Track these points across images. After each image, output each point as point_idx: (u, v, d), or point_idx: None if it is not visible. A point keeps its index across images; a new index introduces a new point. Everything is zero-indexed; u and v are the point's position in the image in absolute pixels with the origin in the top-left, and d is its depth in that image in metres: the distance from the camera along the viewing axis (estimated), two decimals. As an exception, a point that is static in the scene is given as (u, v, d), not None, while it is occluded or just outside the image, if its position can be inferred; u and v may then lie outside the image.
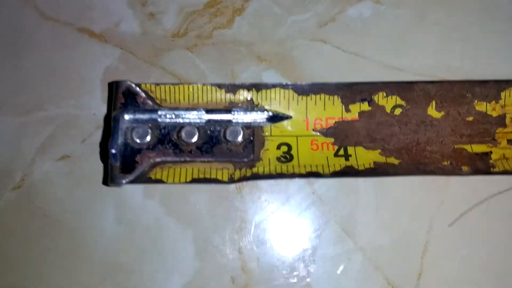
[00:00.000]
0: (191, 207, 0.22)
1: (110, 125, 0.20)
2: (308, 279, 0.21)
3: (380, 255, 0.22)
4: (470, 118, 0.21)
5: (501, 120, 0.21)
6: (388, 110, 0.21)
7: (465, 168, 0.20)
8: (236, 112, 0.21)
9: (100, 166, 0.23)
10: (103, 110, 0.23)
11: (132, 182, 0.20)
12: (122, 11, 0.24)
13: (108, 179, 0.20)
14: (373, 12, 0.24)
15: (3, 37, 0.24)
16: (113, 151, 0.19)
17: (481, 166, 0.20)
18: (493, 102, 0.21)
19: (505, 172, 0.20)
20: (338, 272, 0.21)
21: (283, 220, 0.22)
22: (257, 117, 0.21)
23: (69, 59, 0.24)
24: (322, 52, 0.24)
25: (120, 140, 0.20)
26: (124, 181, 0.20)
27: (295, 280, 0.21)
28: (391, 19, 0.24)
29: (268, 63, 0.23)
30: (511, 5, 0.24)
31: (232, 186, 0.22)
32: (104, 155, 0.21)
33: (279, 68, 0.23)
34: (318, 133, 0.21)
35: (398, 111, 0.21)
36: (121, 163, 0.20)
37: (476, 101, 0.21)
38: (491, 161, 0.20)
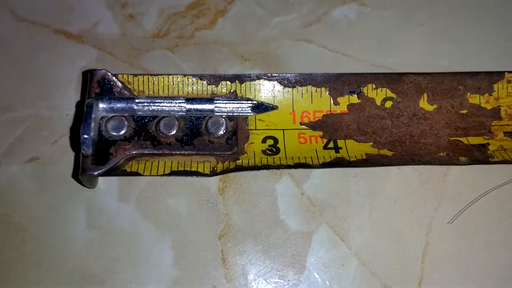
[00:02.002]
0: (170, 210, 0.20)
1: (83, 116, 0.19)
2: (299, 288, 0.19)
3: (376, 260, 0.20)
4: (464, 111, 0.20)
5: (496, 113, 0.20)
6: (378, 103, 0.20)
7: (462, 159, 0.19)
8: (218, 101, 0.19)
9: (71, 169, 0.21)
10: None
11: (105, 174, 0.18)
12: (101, 12, 0.24)
13: (79, 171, 0.18)
14: (358, 14, 0.24)
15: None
16: (85, 136, 0.18)
17: (479, 156, 0.19)
18: (486, 94, 0.20)
19: (504, 162, 0.19)
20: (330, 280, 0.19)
21: (269, 224, 0.20)
22: (241, 106, 0.19)
23: (44, 60, 0.23)
24: (307, 51, 0.23)
25: (93, 130, 0.19)
26: (96, 173, 0.18)
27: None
28: (376, 20, 0.24)
29: (251, 62, 0.23)
30: (497, 6, 0.23)
31: (214, 187, 0.21)
32: (76, 144, 0.20)
33: (263, 67, 0.23)
34: (306, 126, 0.20)
35: (389, 104, 0.20)
36: (94, 155, 0.18)
37: (468, 93, 0.20)
38: (489, 152, 0.19)
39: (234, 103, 0.19)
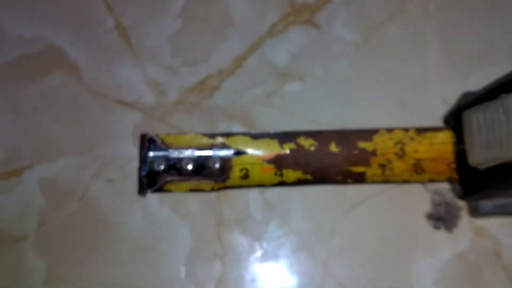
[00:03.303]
0: (188, 209, 0.36)
1: (141, 159, 0.34)
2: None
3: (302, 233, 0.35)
4: (356, 152, 0.35)
5: (373, 153, 0.35)
6: (306, 147, 0.35)
7: (350, 180, 0.34)
8: (214, 150, 0.35)
9: (130, 185, 0.36)
10: (133, 151, 0.37)
11: (153, 192, 0.34)
12: (143, 89, 0.38)
13: (140, 190, 0.34)
14: (300, 87, 0.39)
15: (66, 110, 0.38)
16: (143, 173, 0.33)
17: (360, 179, 0.34)
18: (369, 141, 0.35)
19: (374, 182, 0.34)
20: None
21: (245, 215, 0.36)
22: (227, 153, 0.35)
23: (110, 119, 0.38)
24: (268, 112, 0.38)
25: (146, 168, 0.34)
26: (149, 191, 0.34)
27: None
28: (312, 91, 0.39)
29: (235, 120, 0.38)
30: (384, 78, 0.38)
31: (213, 196, 0.36)
32: (139, 177, 0.36)
33: (242, 123, 0.38)
34: (265, 162, 0.35)
35: (312, 148, 0.35)
36: (148, 181, 0.34)
37: (358, 141, 0.35)
38: (366, 176, 0.35)
39: (223, 150, 0.35)
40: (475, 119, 0.31)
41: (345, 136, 0.35)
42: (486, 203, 0.34)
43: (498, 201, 0.33)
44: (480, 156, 0.31)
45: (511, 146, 0.29)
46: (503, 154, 0.29)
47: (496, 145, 0.30)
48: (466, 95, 0.34)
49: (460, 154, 0.33)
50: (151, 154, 0.34)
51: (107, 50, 0.39)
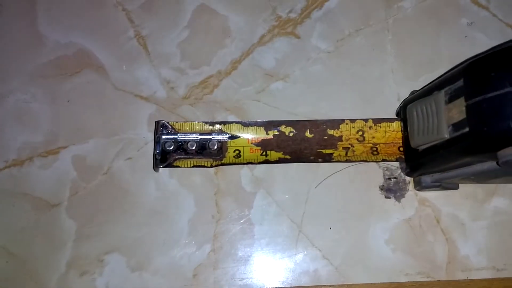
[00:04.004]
0: (192, 182, 0.45)
1: (157, 142, 0.43)
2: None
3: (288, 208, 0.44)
4: (325, 137, 0.44)
5: (340, 138, 0.44)
6: (287, 133, 0.44)
7: (320, 160, 0.43)
8: (213, 135, 0.44)
9: (146, 162, 0.45)
10: (148, 135, 0.46)
11: (165, 167, 0.43)
12: (157, 86, 0.47)
13: (154, 166, 0.43)
14: (283, 86, 0.47)
15: (94, 102, 0.47)
16: (157, 151, 0.42)
17: (328, 158, 0.43)
18: (336, 129, 0.44)
19: (339, 161, 0.43)
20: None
21: (237, 188, 0.45)
22: (224, 137, 0.44)
23: (130, 110, 0.47)
24: (258, 106, 0.46)
25: (159, 148, 0.43)
26: (161, 167, 0.43)
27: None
28: (292, 89, 0.47)
29: (231, 112, 0.46)
30: (353, 80, 0.47)
31: (212, 171, 0.45)
32: (153, 155, 0.44)
33: (236, 114, 0.46)
34: (253, 145, 0.44)
35: (291, 134, 0.44)
36: (160, 158, 0.43)
37: (328, 129, 0.44)
38: (333, 156, 0.43)
39: (220, 135, 0.44)
40: (414, 111, 0.40)
41: (317, 125, 0.44)
42: (426, 178, 0.42)
43: (435, 176, 0.42)
44: (418, 140, 0.39)
45: (440, 131, 0.37)
46: (434, 137, 0.38)
47: (429, 130, 0.38)
48: (412, 92, 0.43)
49: (406, 139, 0.42)
50: (163, 137, 0.43)
51: (128, 54, 0.48)
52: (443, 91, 0.37)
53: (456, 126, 0.36)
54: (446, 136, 0.36)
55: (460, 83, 0.36)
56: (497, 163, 0.34)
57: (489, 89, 0.33)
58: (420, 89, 0.41)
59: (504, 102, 0.32)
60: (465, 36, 0.47)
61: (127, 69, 0.47)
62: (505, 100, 0.32)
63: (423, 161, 0.40)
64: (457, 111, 0.36)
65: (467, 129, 0.34)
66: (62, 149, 0.45)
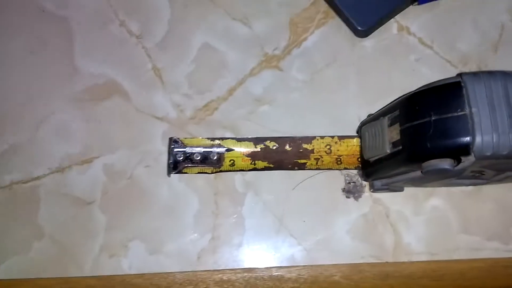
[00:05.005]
0: (196, 184, 0.57)
1: (170, 154, 0.55)
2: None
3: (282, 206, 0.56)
4: (301, 150, 0.56)
5: (312, 151, 0.56)
6: (271, 147, 0.56)
7: (296, 168, 0.55)
8: (213, 148, 0.56)
9: (161, 169, 0.57)
10: (162, 148, 0.57)
11: (175, 173, 0.55)
12: (169, 108, 0.59)
13: (167, 172, 0.55)
14: (269, 109, 0.58)
15: (120, 121, 0.59)
16: (170, 161, 0.54)
17: (302, 167, 0.55)
18: (309, 144, 0.56)
19: (311, 169, 0.55)
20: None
21: (232, 188, 0.57)
22: (221, 150, 0.56)
23: (150, 129, 0.58)
24: (249, 125, 0.57)
25: (172, 159, 0.55)
26: (173, 173, 0.55)
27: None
28: (276, 112, 0.59)
29: (227, 129, 0.57)
30: (323, 103, 0.59)
31: (212, 177, 0.57)
32: (167, 164, 0.56)
33: (232, 131, 0.56)
34: (244, 156, 0.56)
35: (274, 147, 0.56)
36: (172, 167, 0.55)
37: (303, 143, 0.56)
38: (306, 165, 0.56)
39: (219, 148, 0.56)
40: (366, 132, 0.52)
41: (294, 141, 0.56)
42: (377, 182, 0.52)
43: (384, 181, 0.54)
44: (369, 153, 0.51)
45: (383, 147, 0.49)
46: (380, 152, 0.50)
47: (377, 146, 0.51)
48: (368, 115, 0.55)
49: (361, 152, 0.54)
50: (175, 150, 0.55)
51: (146, 83, 0.58)
52: (386, 117, 0.49)
53: (394, 144, 0.48)
54: (388, 151, 0.48)
55: (397, 112, 0.48)
56: (421, 172, 0.46)
57: (415, 118, 0.45)
58: (374, 113, 0.53)
59: (425, 128, 0.44)
60: (413, 70, 0.59)
61: (146, 95, 0.59)
62: (425, 127, 0.44)
63: (373, 169, 0.52)
64: (395, 133, 0.48)
65: (401, 147, 0.47)
66: (95, 159, 0.55)
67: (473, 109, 0.40)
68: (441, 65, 0.57)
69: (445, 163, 0.43)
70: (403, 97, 0.48)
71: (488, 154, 0.41)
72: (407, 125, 0.46)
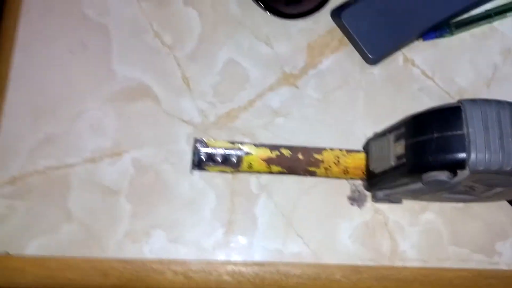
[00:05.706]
0: (215, 183, 0.63)
1: (194, 152, 0.61)
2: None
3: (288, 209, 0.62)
4: (312, 159, 0.62)
5: (322, 161, 0.62)
6: (285, 154, 0.62)
7: (307, 175, 0.62)
8: (234, 151, 0.62)
9: (184, 166, 0.63)
10: (186, 148, 0.63)
11: (198, 170, 0.61)
12: (195, 113, 0.64)
13: (190, 170, 0.61)
14: (284, 121, 0.64)
15: (150, 123, 0.65)
16: (195, 158, 0.60)
17: (313, 174, 0.62)
18: (320, 154, 0.62)
19: (320, 177, 0.61)
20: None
21: (246, 184, 0.63)
22: (241, 153, 0.62)
23: (176, 130, 0.64)
24: (266, 134, 0.63)
25: (197, 157, 0.61)
26: (195, 170, 0.61)
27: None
28: (291, 124, 0.65)
29: (246, 136, 0.62)
30: (334, 120, 0.66)
31: (231, 175, 0.62)
32: (192, 162, 0.62)
33: (250, 138, 0.61)
34: (261, 160, 0.62)
35: (289, 155, 0.62)
36: (196, 164, 0.61)
37: (314, 153, 0.63)
38: (316, 173, 0.62)
39: (239, 151, 0.62)
40: (373, 146, 0.59)
41: (307, 150, 0.62)
42: (380, 193, 0.57)
43: (385, 191, 0.59)
44: (374, 165, 0.58)
45: (388, 160, 0.56)
46: (385, 164, 0.56)
47: (382, 159, 0.57)
48: (374, 133, 0.62)
49: (367, 164, 0.61)
50: (199, 149, 0.61)
51: (176, 89, 0.62)
52: (392, 134, 0.56)
53: (398, 157, 0.53)
54: (393, 163, 0.53)
55: (402, 130, 0.54)
56: (422, 183, 0.52)
57: (419, 135, 0.52)
58: (379, 132, 0.60)
59: (428, 144, 0.51)
60: (415, 97, 0.65)
61: (174, 99, 0.65)
62: (428, 142, 0.51)
63: (377, 180, 0.58)
64: (400, 147, 0.54)
65: (404, 160, 0.53)
66: (124, 152, 0.58)
67: (470, 130, 0.45)
68: (440, 96, 0.63)
69: (443, 175, 0.49)
70: (408, 116, 0.54)
71: (481, 169, 0.47)
72: (411, 141, 0.52)
